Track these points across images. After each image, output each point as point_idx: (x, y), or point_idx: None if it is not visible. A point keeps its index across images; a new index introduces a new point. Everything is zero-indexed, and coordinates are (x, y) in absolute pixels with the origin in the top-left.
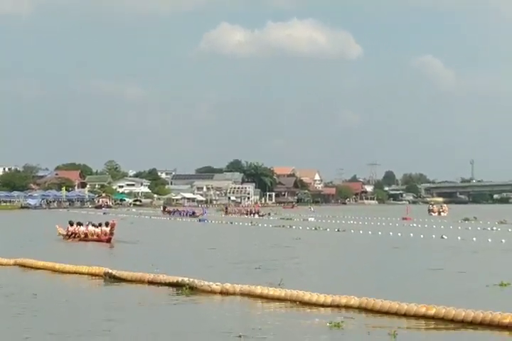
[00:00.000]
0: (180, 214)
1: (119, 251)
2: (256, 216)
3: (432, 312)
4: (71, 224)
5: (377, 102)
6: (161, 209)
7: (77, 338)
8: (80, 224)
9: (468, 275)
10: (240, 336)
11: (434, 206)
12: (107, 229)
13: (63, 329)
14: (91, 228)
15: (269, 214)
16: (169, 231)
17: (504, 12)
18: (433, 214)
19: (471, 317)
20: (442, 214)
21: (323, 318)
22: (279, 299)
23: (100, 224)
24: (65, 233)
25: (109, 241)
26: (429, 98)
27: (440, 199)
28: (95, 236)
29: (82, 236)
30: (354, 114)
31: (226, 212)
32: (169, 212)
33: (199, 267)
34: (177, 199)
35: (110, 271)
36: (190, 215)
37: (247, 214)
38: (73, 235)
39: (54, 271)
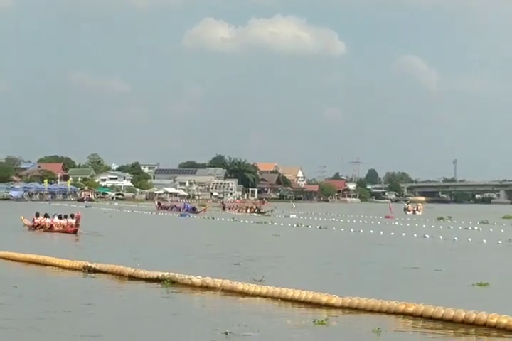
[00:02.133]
0: (179, 210)
1: (86, 242)
2: (256, 213)
3: (418, 310)
4: (37, 216)
5: (361, 100)
6: (156, 204)
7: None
8: (46, 216)
9: (448, 274)
10: (226, 333)
11: (409, 205)
12: (73, 221)
13: (44, 320)
14: (56, 220)
15: (271, 211)
16: (149, 225)
17: (489, 13)
18: (408, 212)
19: (452, 316)
20: (417, 213)
21: (307, 316)
22: (260, 295)
23: (66, 216)
24: (30, 224)
25: (75, 232)
26: (413, 97)
27: (422, 198)
28: (61, 228)
29: (48, 227)
30: (338, 111)
31: (223, 208)
32: (165, 208)
33: (176, 262)
34: (159, 194)
35: (90, 264)
36: (189, 211)
37: (246, 211)
38: (39, 226)
39: (33, 263)
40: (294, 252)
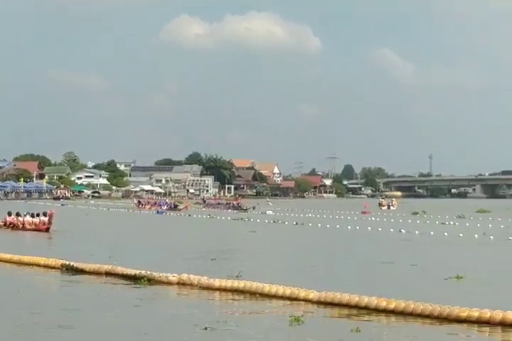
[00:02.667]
0: (160, 207)
1: (59, 240)
2: (236, 210)
3: (391, 305)
4: (9, 215)
5: (337, 95)
6: (135, 202)
7: (33, 331)
8: (18, 214)
9: (425, 268)
10: (206, 328)
11: (383, 200)
12: (45, 219)
13: (21, 320)
14: (28, 218)
15: (253, 207)
16: (125, 223)
17: (462, 5)
18: (382, 207)
19: (429, 311)
20: (391, 208)
21: (283, 311)
22: (237, 291)
23: (38, 214)
24: (1, 223)
25: (47, 230)
26: (388, 91)
27: (398, 193)
28: (33, 226)
29: (20, 225)
30: (313, 107)
31: (205, 206)
32: (145, 205)
33: (153, 259)
34: (136, 191)
35: (68, 262)
36: (170, 208)
37: (228, 208)
38: (10, 225)
39: (9, 262)
40: (271, 248)
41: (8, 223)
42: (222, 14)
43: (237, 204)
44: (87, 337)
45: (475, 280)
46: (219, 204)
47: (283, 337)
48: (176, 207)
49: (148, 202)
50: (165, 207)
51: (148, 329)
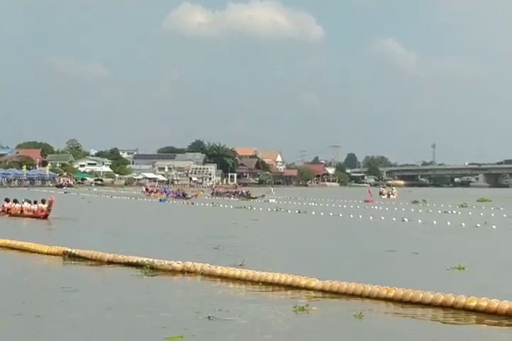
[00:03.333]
0: (167, 195)
1: (59, 227)
2: (247, 199)
3: (391, 294)
4: (7, 201)
5: (339, 84)
6: (143, 190)
7: (35, 317)
8: (15, 201)
9: (427, 258)
10: (209, 317)
11: (384, 189)
12: (44, 206)
13: (23, 307)
14: (26, 204)
15: (263, 196)
16: (127, 211)
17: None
18: (382, 196)
19: (430, 299)
20: (391, 196)
21: (287, 300)
22: (239, 279)
23: (36, 202)
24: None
25: (45, 217)
26: (391, 80)
27: (401, 182)
28: (31, 213)
29: (18, 212)
30: (316, 95)
31: (212, 194)
32: (151, 192)
33: (155, 246)
34: (138, 179)
35: (70, 249)
36: (179, 196)
37: (237, 197)
38: (7, 211)
39: (10, 248)
40: (274, 236)
41: (6, 210)
42: (224, 2)
43: (247, 192)
44: (89, 322)
45: (477, 270)
46: (228, 192)
47: (287, 326)
48: (184, 195)
49: (157, 190)
50: (173, 195)
51: (150, 317)
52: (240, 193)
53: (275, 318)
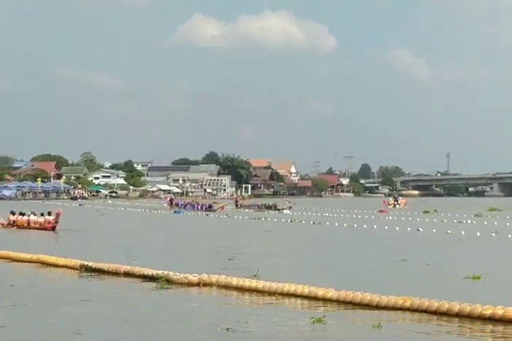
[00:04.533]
0: (193, 207)
1: (65, 239)
2: (272, 211)
3: (407, 304)
4: (13, 214)
5: (353, 94)
6: (168, 202)
7: (52, 332)
8: (21, 213)
9: (443, 267)
10: (227, 329)
11: (390, 198)
12: (51, 218)
13: (40, 320)
14: (33, 217)
15: (289, 207)
16: (141, 223)
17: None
18: (389, 206)
19: (446, 309)
20: (397, 206)
21: (303, 311)
22: (256, 290)
23: (43, 214)
24: (4, 222)
25: (53, 229)
26: (404, 90)
27: (416, 192)
28: (38, 225)
29: (25, 224)
30: (330, 106)
31: (237, 206)
32: (177, 205)
33: (169, 258)
34: (153, 191)
35: (86, 262)
36: (205, 209)
37: (261, 209)
38: (14, 223)
39: (27, 262)
40: (288, 247)
41: (12, 222)
42: (236, 13)
43: (273, 204)
44: (106, 335)
45: (492, 279)
46: (252, 205)
47: (306, 338)
48: (210, 207)
49: (182, 203)
50: (200, 207)
51: (168, 330)
52: (266, 205)
53: (293, 330)
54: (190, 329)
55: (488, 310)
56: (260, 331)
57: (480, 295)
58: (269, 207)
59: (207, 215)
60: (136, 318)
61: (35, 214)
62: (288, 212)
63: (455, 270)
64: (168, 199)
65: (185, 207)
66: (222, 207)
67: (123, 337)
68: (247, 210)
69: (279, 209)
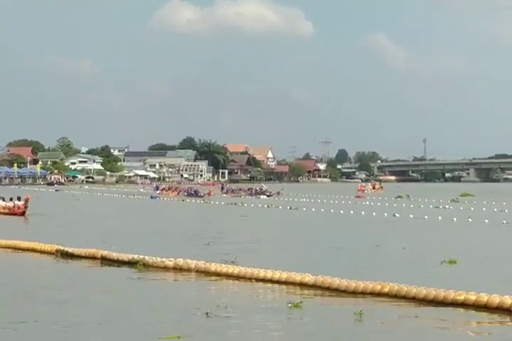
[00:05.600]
0: (179, 193)
1: (35, 224)
2: (262, 196)
3: (386, 289)
4: None
5: (330, 80)
6: (154, 188)
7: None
8: None
9: (420, 252)
10: (207, 313)
11: (362, 184)
12: (20, 203)
13: (16, 307)
14: (1, 202)
15: (278, 193)
16: (118, 208)
17: None
18: (358, 192)
19: (424, 295)
20: (369, 191)
21: (281, 296)
22: (232, 276)
23: (11, 199)
24: None
25: (23, 214)
26: (381, 75)
27: (392, 177)
28: (7, 210)
29: None
30: (307, 91)
31: (222, 190)
32: (163, 190)
33: (145, 243)
34: (129, 176)
35: (62, 247)
36: (192, 194)
37: (250, 194)
38: None
39: (3, 247)
40: (265, 233)
41: None
42: None
43: (260, 189)
44: (84, 322)
45: (467, 264)
46: (240, 189)
47: (285, 323)
48: (197, 193)
49: (169, 188)
50: (185, 193)
51: (149, 314)
52: (255, 191)
53: (272, 315)
54: (170, 315)
55: (461, 296)
56: (239, 316)
57: (455, 279)
58: (257, 193)
59: (182, 200)
60: (114, 304)
61: (3, 200)
62: (265, 197)
63: (432, 254)
64: (155, 185)
65: (173, 191)
66: (209, 193)
67: (100, 325)
68: (231, 195)
69: (268, 195)
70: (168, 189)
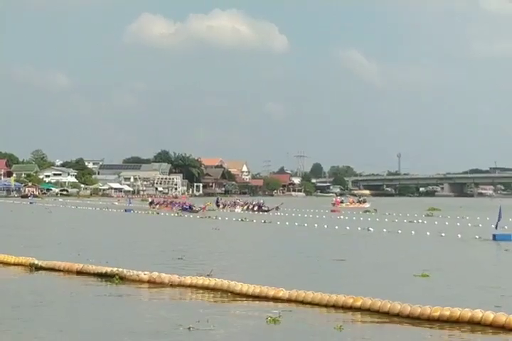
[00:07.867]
0: (173, 207)
1: (10, 236)
2: (257, 212)
3: (358, 303)
4: None
5: (304, 94)
6: (148, 202)
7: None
8: None
9: (394, 266)
10: (189, 328)
11: (336, 198)
12: None
13: None
14: None
15: (277, 208)
16: (91, 221)
17: (427, 7)
18: (332, 206)
19: (398, 310)
20: (343, 205)
21: (259, 310)
22: (208, 289)
23: None
24: None
25: None
26: (355, 91)
27: (367, 191)
28: None
29: None
30: (281, 105)
31: (217, 205)
32: (157, 205)
33: (119, 257)
34: (104, 190)
35: (37, 261)
36: (186, 209)
37: (247, 209)
38: None
39: None
40: (238, 246)
41: None
42: (185, 13)
43: (259, 204)
44: (61, 338)
45: (439, 277)
46: (235, 204)
47: (266, 337)
48: (191, 208)
49: (164, 202)
50: (179, 207)
51: (130, 329)
52: (253, 205)
53: (253, 328)
54: (154, 330)
55: (436, 312)
56: (220, 329)
57: (428, 292)
58: (252, 207)
59: (157, 213)
60: (92, 318)
61: None
62: (239, 210)
63: (405, 268)
64: (150, 199)
65: (167, 206)
66: (204, 208)
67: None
68: (236, 210)
69: (265, 211)
70: (162, 203)
